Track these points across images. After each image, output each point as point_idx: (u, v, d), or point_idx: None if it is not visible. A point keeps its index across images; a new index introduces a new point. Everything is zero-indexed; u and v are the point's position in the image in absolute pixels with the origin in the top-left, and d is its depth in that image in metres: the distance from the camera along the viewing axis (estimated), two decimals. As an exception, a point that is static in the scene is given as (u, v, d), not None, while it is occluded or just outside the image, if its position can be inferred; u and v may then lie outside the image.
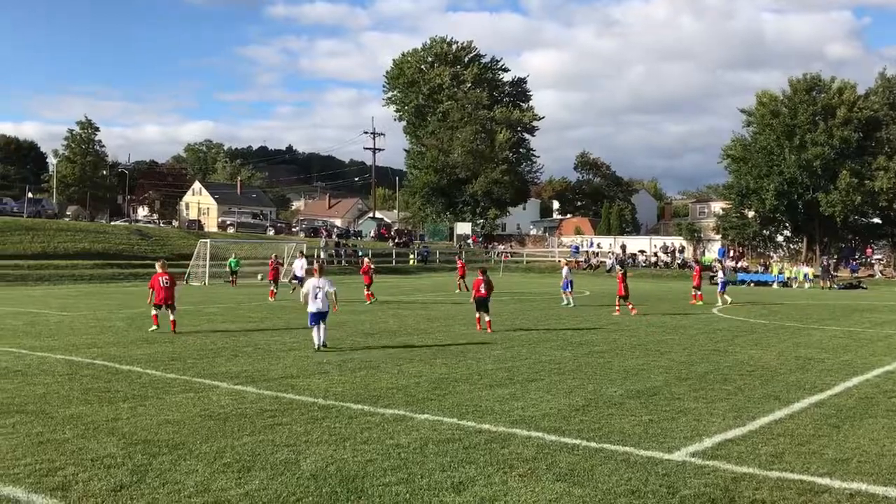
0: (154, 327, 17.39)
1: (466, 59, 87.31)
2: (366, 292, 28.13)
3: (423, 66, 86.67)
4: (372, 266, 30.40)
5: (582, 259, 64.22)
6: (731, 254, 62.36)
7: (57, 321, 20.49)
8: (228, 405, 9.42)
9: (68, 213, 72.96)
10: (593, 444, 7.67)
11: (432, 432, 8.07)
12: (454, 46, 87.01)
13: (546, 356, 14.12)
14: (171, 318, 17.40)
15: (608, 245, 70.42)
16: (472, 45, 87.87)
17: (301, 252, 32.76)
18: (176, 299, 17.88)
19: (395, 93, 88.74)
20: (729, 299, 28.63)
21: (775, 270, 52.12)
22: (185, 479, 6.36)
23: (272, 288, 30.52)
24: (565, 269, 28.21)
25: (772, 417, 9.05)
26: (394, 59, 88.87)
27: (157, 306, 17.51)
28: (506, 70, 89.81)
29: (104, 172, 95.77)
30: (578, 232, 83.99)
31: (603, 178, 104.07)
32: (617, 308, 24.23)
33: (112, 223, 67.95)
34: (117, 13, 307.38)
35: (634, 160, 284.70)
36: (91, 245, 51.16)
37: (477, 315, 18.75)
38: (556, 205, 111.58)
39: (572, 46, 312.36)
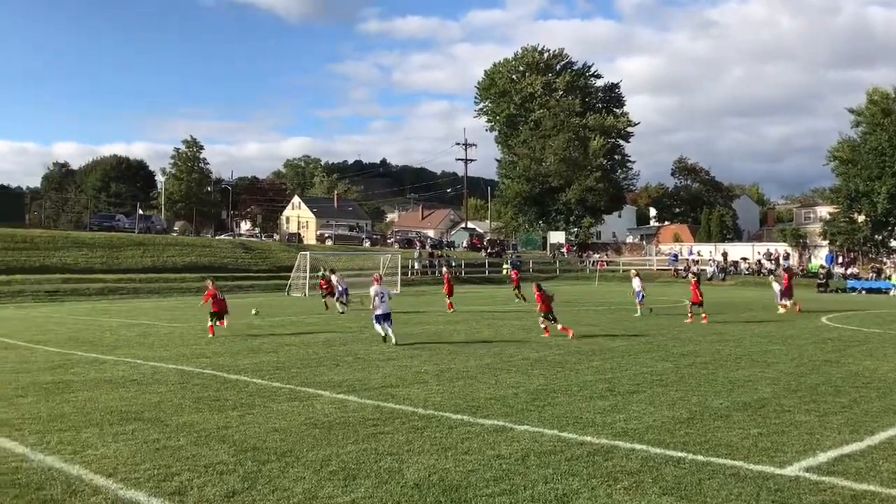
0: (210, 336, 19.47)
1: (558, 67, 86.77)
2: (447, 301, 28.61)
3: (514, 76, 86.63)
4: (448, 275, 31.59)
5: (681, 267, 62.63)
6: (840, 260, 59.56)
7: (167, 332, 21.43)
8: (332, 414, 9.63)
9: (176, 228, 76.37)
10: (700, 458, 7.46)
11: (533, 444, 8.02)
12: (545, 55, 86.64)
13: (647, 367, 13.83)
14: (225, 322, 20.62)
15: (708, 252, 68.41)
16: (564, 53, 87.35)
17: (330, 269, 32.98)
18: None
19: (486, 103, 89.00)
20: (787, 305, 27.76)
21: (894, 278, 49.45)
22: (294, 486, 6.54)
23: (326, 300, 30.38)
24: (636, 280, 27.30)
25: (892, 432, 8.58)
26: (485, 70, 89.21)
27: (215, 314, 20.42)
28: (598, 76, 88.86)
29: (209, 189, 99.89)
30: (677, 239, 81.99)
31: (701, 183, 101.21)
32: (690, 316, 23.54)
33: (217, 237, 70.62)
34: (218, 35, 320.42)
35: (733, 164, 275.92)
36: (198, 259, 53.31)
37: (543, 325, 19.42)
38: (652, 212, 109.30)
39: (667, 50, 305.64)
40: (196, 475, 6.86)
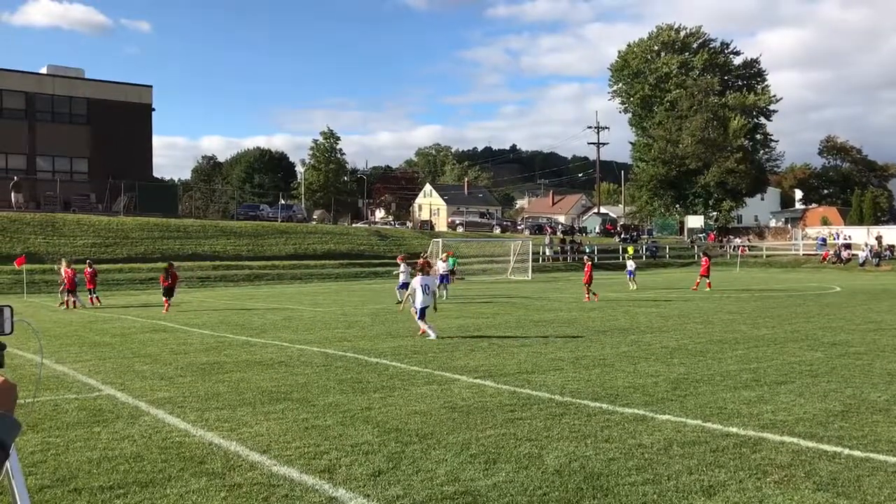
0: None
1: (695, 46, 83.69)
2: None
3: (649, 56, 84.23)
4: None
5: (830, 252, 59.19)
6: None
7: (310, 316, 22.33)
8: (470, 398, 9.76)
9: (315, 216, 79.28)
10: (857, 453, 7.04)
11: (676, 433, 7.83)
12: (682, 33, 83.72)
13: (794, 357, 13.18)
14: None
15: (859, 236, 64.21)
16: (701, 31, 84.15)
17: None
18: None
19: (620, 85, 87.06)
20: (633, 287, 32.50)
21: None
22: (437, 467, 6.68)
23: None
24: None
25: None
26: (619, 51, 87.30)
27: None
28: (737, 53, 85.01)
29: (345, 178, 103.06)
30: (825, 222, 77.51)
31: (853, 162, 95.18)
32: (587, 296, 26.89)
33: (353, 225, 72.78)
34: (349, 27, 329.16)
35: (890, 141, 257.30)
36: (336, 246, 55.19)
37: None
38: (798, 194, 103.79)
39: (814, 21, 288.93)
40: (343, 454, 7.14)
